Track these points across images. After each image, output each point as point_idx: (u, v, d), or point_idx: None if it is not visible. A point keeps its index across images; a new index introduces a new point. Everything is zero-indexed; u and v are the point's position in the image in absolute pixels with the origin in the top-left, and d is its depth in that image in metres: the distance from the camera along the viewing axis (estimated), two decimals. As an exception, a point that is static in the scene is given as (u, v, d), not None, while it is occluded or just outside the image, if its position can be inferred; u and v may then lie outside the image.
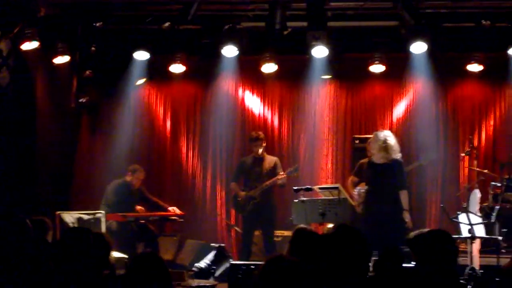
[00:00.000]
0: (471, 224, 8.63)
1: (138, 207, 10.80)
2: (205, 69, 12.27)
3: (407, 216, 9.23)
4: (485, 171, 11.06)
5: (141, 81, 12.40)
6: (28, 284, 4.53)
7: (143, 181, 11.14)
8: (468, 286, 6.83)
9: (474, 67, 11.18)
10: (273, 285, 3.89)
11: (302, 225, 7.00)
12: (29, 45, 10.51)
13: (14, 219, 6.19)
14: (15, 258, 5.07)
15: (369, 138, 10.00)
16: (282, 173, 10.64)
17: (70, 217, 9.98)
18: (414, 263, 4.85)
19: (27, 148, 10.97)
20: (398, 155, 9.54)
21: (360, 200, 9.76)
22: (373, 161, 9.43)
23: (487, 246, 9.19)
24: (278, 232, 11.10)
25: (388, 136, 9.43)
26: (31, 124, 11.11)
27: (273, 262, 4.01)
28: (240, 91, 12.70)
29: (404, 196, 9.31)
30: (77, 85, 12.05)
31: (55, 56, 10.99)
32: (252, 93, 12.70)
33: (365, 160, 9.61)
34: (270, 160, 10.95)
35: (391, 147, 9.34)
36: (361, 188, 9.83)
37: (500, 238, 9.29)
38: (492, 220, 9.16)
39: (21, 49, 10.60)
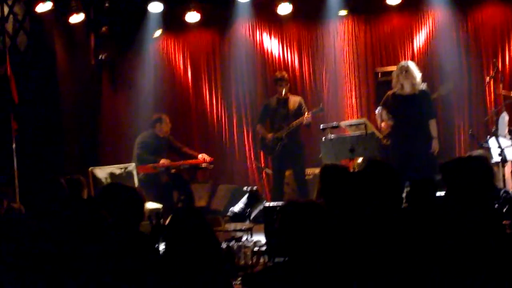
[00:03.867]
0: (501, 147, 8.61)
1: (162, 160, 10.79)
2: (220, 16, 12.28)
3: (435, 143, 9.23)
4: (512, 93, 10.98)
5: (158, 33, 12.38)
6: (68, 244, 4.61)
7: (170, 131, 11.16)
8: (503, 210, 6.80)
9: (492, -11, 11.03)
10: (293, 227, 3.87)
11: (327, 162, 7.01)
12: (43, 7, 10.55)
13: (48, 180, 6.31)
14: (54, 220, 5.15)
15: (391, 70, 9.92)
16: (307, 113, 10.60)
17: (102, 172, 10.06)
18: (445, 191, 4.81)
19: (51, 110, 11.04)
20: (423, 85, 9.50)
21: (382, 121, 9.63)
22: (398, 93, 9.36)
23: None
24: (309, 170, 11.10)
25: (411, 66, 9.36)
26: (53, 85, 11.15)
27: (289, 206, 3.99)
28: (257, 34, 12.60)
29: (433, 125, 9.29)
30: (94, 42, 12.09)
31: (70, 15, 10.99)
32: (270, 35, 12.59)
33: (391, 92, 9.55)
34: (294, 100, 10.92)
35: (415, 77, 9.28)
36: (380, 109, 9.65)
37: (532, 158, 9.26)
38: (523, 142, 9.13)
39: (36, 12, 10.63)
